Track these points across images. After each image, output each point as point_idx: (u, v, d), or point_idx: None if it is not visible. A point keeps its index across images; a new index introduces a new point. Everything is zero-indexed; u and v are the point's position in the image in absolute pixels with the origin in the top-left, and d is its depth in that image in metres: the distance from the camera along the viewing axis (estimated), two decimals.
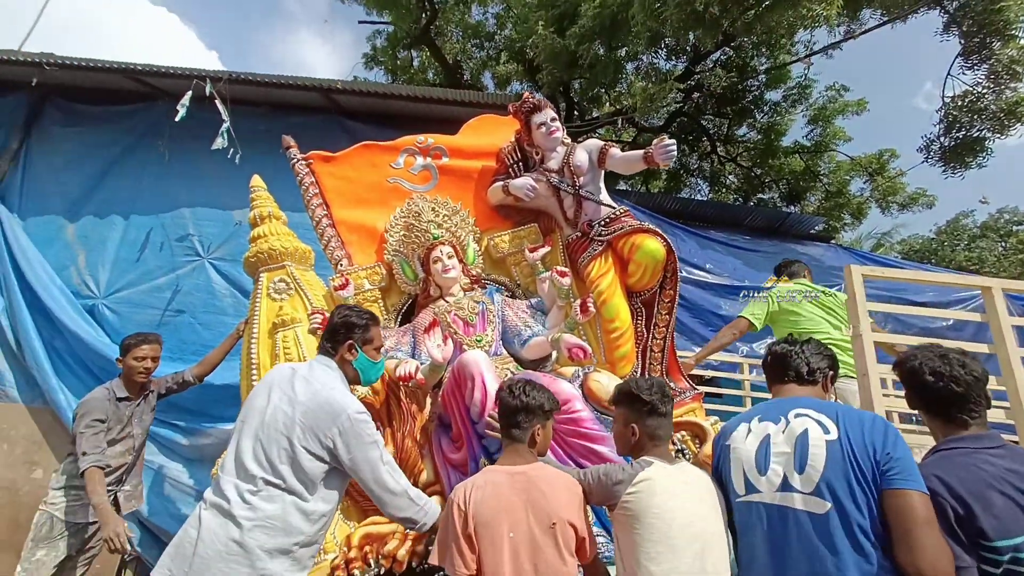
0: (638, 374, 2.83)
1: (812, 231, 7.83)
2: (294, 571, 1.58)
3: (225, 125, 4.25)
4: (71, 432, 2.71)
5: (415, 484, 2.29)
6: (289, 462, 1.59)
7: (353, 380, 1.87)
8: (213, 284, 4.50)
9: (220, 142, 4.19)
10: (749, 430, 1.54)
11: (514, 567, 1.44)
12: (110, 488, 2.69)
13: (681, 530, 1.47)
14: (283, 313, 2.73)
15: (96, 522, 2.66)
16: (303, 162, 3.25)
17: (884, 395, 2.25)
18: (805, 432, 1.40)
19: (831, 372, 1.68)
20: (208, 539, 1.51)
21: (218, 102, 4.32)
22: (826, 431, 1.39)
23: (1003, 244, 15.49)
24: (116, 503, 2.75)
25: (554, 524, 1.50)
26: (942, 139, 7.42)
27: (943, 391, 1.42)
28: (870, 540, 1.25)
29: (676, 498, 1.52)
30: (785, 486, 1.37)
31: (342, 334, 1.84)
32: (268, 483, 1.57)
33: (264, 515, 1.54)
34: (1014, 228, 15.72)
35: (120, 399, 2.80)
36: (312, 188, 3.23)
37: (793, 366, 1.64)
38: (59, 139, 4.97)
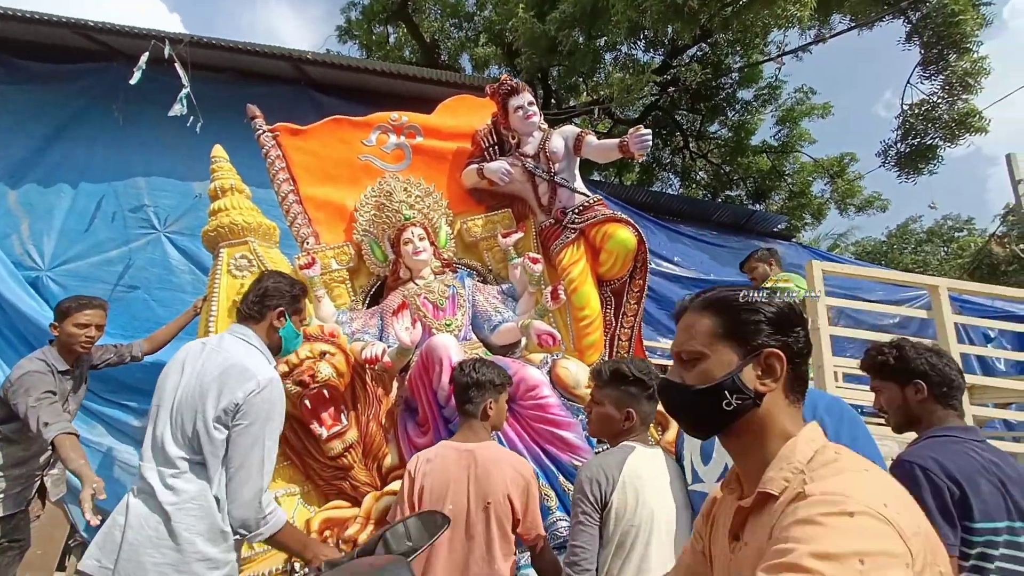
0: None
1: (775, 229, 8.11)
2: (232, 552, 1.53)
3: (185, 91, 4.02)
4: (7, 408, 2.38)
5: (379, 468, 2.28)
6: (206, 438, 1.51)
7: (276, 349, 1.79)
8: (170, 259, 4.28)
9: (179, 108, 3.96)
10: None
11: (447, 539, 1.51)
12: (36, 473, 2.52)
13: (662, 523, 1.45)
14: (244, 291, 2.62)
15: (19, 512, 2.49)
16: (269, 134, 3.11)
17: (837, 387, 2.35)
18: None
19: None
20: (136, 525, 1.46)
21: (178, 66, 4.07)
22: None
23: (945, 249, 16.51)
24: (43, 490, 2.57)
25: (489, 503, 1.57)
26: (899, 145, 7.78)
27: (949, 376, 1.50)
28: None
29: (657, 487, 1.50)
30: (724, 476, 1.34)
31: (274, 300, 1.76)
32: (189, 462, 1.51)
33: (188, 497, 1.48)
34: (955, 234, 16.75)
35: (60, 371, 2.52)
36: (278, 162, 3.10)
37: None
38: (2, 97, 4.59)
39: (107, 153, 4.53)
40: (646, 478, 1.49)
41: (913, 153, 7.64)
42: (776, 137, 11.36)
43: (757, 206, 11.34)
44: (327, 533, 2.01)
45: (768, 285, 3.36)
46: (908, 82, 7.53)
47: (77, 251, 4.28)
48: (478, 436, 1.75)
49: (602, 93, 9.95)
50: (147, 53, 4.03)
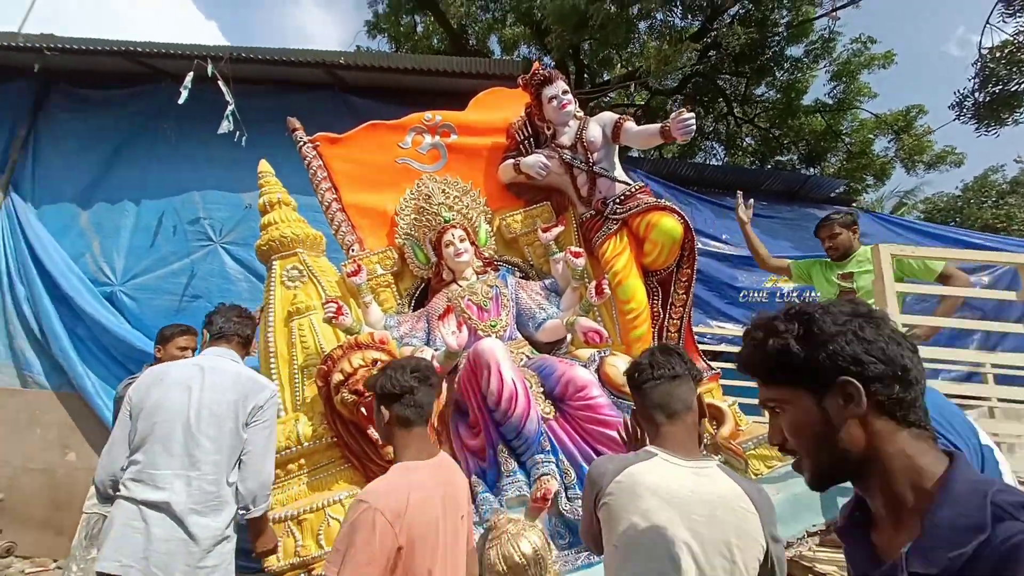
0: None
1: (832, 194, 7.58)
2: (234, 527, 1.86)
3: (230, 108, 4.17)
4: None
5: None
6: (236, 438, 1.86)
7: None
8: (227, 269, 4.52)
9: (226, 125, 4.12)
10: None
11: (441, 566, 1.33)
12: None
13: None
14: (297, 301, 2.73)
15: None
16: (310, 145, 3.18)
17: None
18: None
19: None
20: (163, 526, 1.69)
21: (221, 83, 4.22)
22: None
23: None
24: None
25: (463, 516, 1.46)
26: (976, 94, 7.02)
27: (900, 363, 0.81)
28: None
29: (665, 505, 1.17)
30: None
31: (252, 337, 2.26)
32: (212, 463, 1.79)
33: (213, 492, 1.78)
34: None
35: None
36: (320, 172, 3.17)
37: None
38: (65, 125, 4.94)
39: (162, 170, 4.81)
40: (650, 489, 1.20)
41: (994, 102, 6.86)
42: (831, 94, 10.51)
43: (811, 170, 10.63)
44: None
45: (867, 256, 2.81)
46: (988, 21, 6.75)
47: (144, 265, 4.60)
48: (430, 445, 1.50)
49: (638, 65, 9.55)
50: (191, 73, 4.19)
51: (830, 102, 10.52)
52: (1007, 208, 14.68)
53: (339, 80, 4.94)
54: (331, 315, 2.43)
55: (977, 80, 6.97)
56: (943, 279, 2.67)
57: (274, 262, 2.87)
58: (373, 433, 2.25)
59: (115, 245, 4.64)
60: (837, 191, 7.74)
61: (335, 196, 3.15)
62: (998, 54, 6.68)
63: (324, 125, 3.30)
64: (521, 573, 1.78)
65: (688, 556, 1.12)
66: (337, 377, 2.27)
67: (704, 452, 2.18)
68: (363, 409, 2.23)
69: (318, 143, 3.20)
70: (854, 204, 8.29)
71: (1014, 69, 6.54)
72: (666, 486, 1.19)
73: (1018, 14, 6.30)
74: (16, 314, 4.43)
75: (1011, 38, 6.59)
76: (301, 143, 3.18)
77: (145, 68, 4.85)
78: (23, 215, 4.59)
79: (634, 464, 1.25)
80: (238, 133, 4.23)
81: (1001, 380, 3.46)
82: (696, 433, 1.35)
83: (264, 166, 3.10)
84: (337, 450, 2.40)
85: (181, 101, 4.21)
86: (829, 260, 3.05)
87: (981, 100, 6.99)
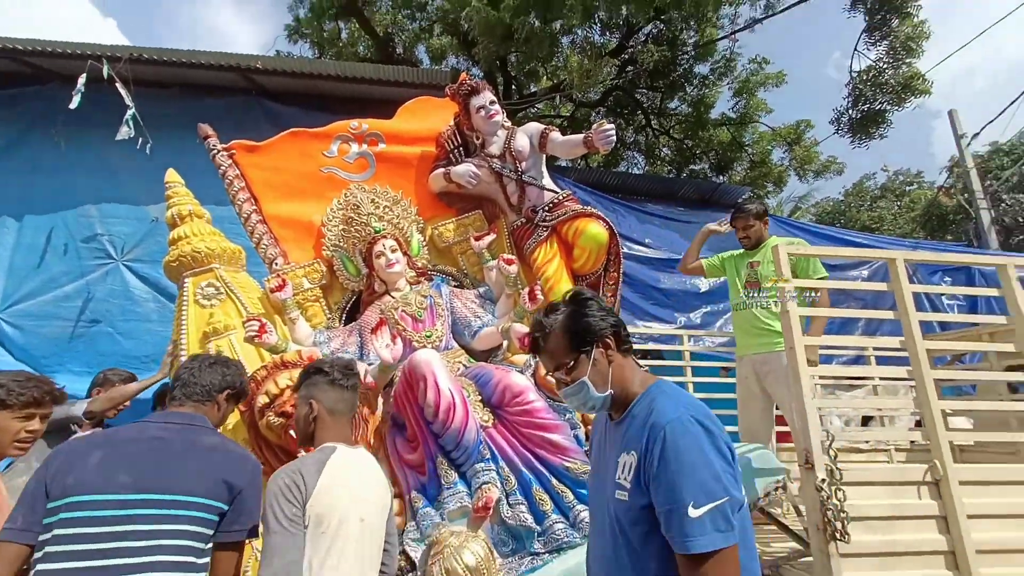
0: None
1: (740, 200, 8.29)
2: None
3: (130, 112, 3.83)
4: None
5: None
6: None
7: None
8: (131, 288, 4.12)
9: (125, 131, 3.78)
10: None
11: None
12: None
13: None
14: (214, 320, 2.54)
15: None
16: (224, 153, 3.00)
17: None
18: None
19: None
20: None
21: (119, 85, 3.87)
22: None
23: (898, 203, 17.22)
24: None
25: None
26: (850, 112, 8.02)
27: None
28: None
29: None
30: None
31: None
32: None
33: None
34: (907, 188, 17.48)
35: None
36: (237, 181, 2.99)
37: None
38: None
39: (50, 181, 4.31)
40: (345, 481, 1.40)
41: (864, 119, 7.89)
42: (734, 109, 11.55)
43: (721, 178, 11.57)
44: None
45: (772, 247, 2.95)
46: (856, 49, 7.75)
47: (29, 289, 4.08)
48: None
49: (562, 77, 9.91)
50: (84, 75, 3.81)
51: (734, 116, 11.54)
52: (879, 211, 16.87)
53: (256, 86, 4.69)
54: (253, 334, 2.30)
55: (850, 99, 7.97)
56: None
57: (186, 280, 2.67)
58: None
59: None
60: (743, 197, 8.48)
61: (254, 207, 2.99)
62: (865, 77, 7.67)
63: (241, 132, 3.13)
64: None
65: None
66: (262, 399, 2.15)
67: None
68: (292, 432, 2.13)
69: (234, 151, 3.02)
70: None
71: (878, 90, 7.54)
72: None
73: (879, 43, 7.28)
74: None
75: (874, 63, 7.59)
76: (214, 151, 2.99)
77: (29, 68, 4.34)
78: None
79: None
80: (141, 140, 3.89)
81: (881, 361, 3.97)
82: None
83: (172, 175, 2.88)
84: (264, 477, 2.26)
85: (73, 105, 3.81)
86: (741, 251, 3.34)
87: (854, 117, 7.99)
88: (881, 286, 2.48)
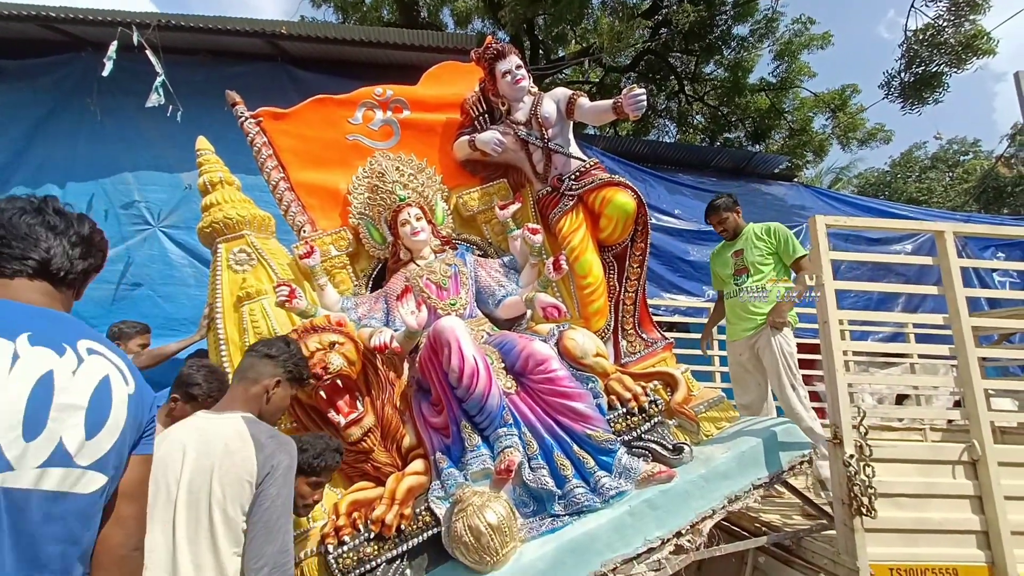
0: (611, 328, 2.89)
1: (776, 170, 7.95)
2: None
3: (159, 79, 3.88)
4: None
5: (398, 449, 2.34)
6: None
7: None
8: (169, 254, 4.27)
9: (155, 98, 3.84)
10: (16, 356, 0.90)
11: None
12: None
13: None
14: (247, 285, 2.61)
15: None
16: (252, 120, 3.02)
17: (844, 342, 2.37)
18: (106, 380, 0.99)
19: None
20: None
21: (149, 52, 3.91)
22: (126, 382, 1.03)
23: (950, 174, 16.19)
24: None
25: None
26: (903, 75, 7.48)
27: None
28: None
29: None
30: (60, 458, 0.90)
31: None
32: None
33: None
34: (961, 158, 16.39)
35: None
36: (265, 149, 3.02)
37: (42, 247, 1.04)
38: None
39: (89, 149, 4.44)
40: (169, 447, 1.42)
41: (918, 82, 7.35)
42: (775, 73, 10.94)
43: (757, 147, 11.08)
44: (355, 514, 2.08)
45: (751, 233, 3.31)
46: (912, 5, 7.16)
47: None
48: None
49: (591, 41, 9.54)
50: (115, 42, 3.86)
51: (773, 81, 10.94)
52: (928, 182, 15.87)
53: (282, 51, 4.68)
54: (284, 299, 2.36)
55: (903, 61, 7.42)
56: (797, 266, 3.17)
57: (219, 245, 2.74)
58: (334, 416, 2.22)
59: None
60: (780, 167, 8.12)
61: (282, 175, 3.02)
62: (921, 36, 7.11)
63: (267, 99, 3.14)
64: (487, 542, 1.83)
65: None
66: None
67: (659, 418, 2.30)
68: (322, 393, 2.20)
69: (261, 118, 3.03)
70: (795, 180, 8.71)
71: (935, 51, 6.99)
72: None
73: None
74: None
75: (932, 21, 7.02)
76: (242, 118, 3.01)
77: (63, 36, 4.42)
78: None
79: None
80: (171, 108, 3.95)
81: (920, 339, 3.81)
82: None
83: (202, 143, 2.93)
84: (297, 435, 2.36)
85: (105, 73, 3.88)
86: (722, 243, 3.51)
87: (906, 80, 7.45)
88: (926, 260, 2.36)
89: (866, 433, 2.05)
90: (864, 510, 1.94)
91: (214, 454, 1.41)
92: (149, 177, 4.43)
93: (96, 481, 0.95)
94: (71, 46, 4.48)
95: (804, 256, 3.13)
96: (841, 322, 2.58)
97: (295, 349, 1.80)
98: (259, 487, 1.41)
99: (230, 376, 2.24)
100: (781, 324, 3.03)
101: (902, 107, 7.79)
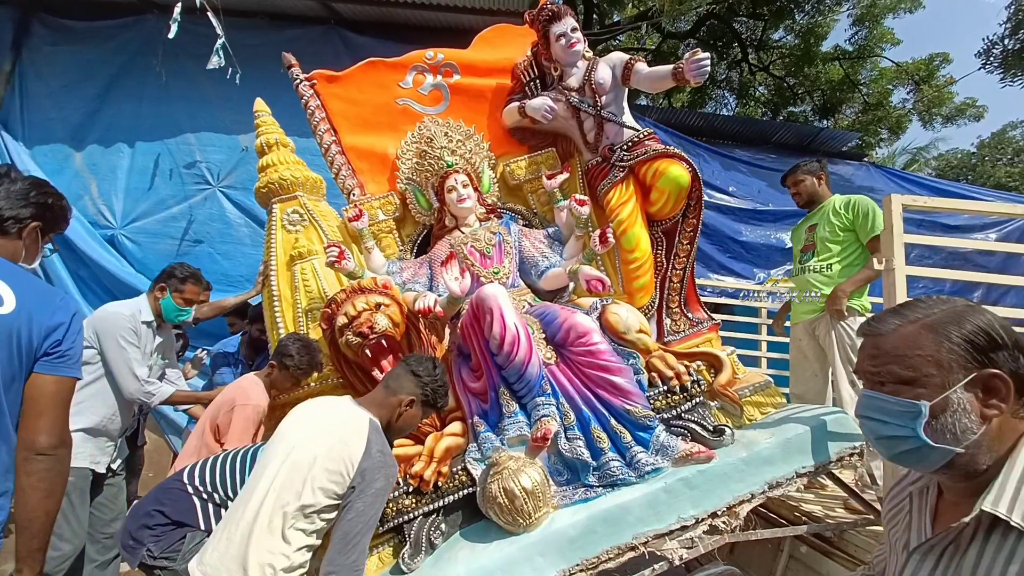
0: (656, 305, 2.82)
1: (844, 148, 7.40)
2: None
3: (220, 41, 3.97)
4: None
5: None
6: None
7: (159, 314, 2.66)
8: (227, 213, 4.47)
9: (216, 60, 3.94)
10: None
11: None
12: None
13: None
14: (299, 245, 2.71)
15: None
16: (306, 83, 3.06)
17: None
18: None
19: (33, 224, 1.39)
20: None
21: (211, 14, 4.00)
22: (1, 302, 1.18)
23: None
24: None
25: None
26: (1006, 41, 6.67)
27: None
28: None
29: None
30: None
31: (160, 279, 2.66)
32: None
33: None
34: None
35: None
36: (318, 112, 3.06)
37: None
38: (51, 59, 4.73)
39: (155, 110, 4.65)
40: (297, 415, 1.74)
41: None
42: (852, 40, 10.04)
43: (824, 123, 10.32)
44: None
45: (832, 206, 2.95)
46: None
47: (143, 209, 4.54)
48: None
49: (649, 3, 9.03)
50: (179, 5, 3.97)
51: (850, 49, 10.07)
52: (1022, 166, 14.26)
53: (335, 14, 4.69)
54: (333, 259, 2.42)
55: (1009, 25, 6.60)
56: (873, 245, 2.76)
57: (274, 206, 2.84)
58: (377, 374, 2.29)
59: (112, 187, 4.56)
60: (849, 145, 7.54)
61: (334, 139, 3.06)
62: None
63: (320, 63, 3.16)
64: (520, 505, 1.87)
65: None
66: (341, 320, 2.29)
67: (701, 398, 2.25)
68: (367, 351, 2.27)
69: (315, 81, 3.07)
70: (866, 159, 8.08)
71: None
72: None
73: None
74: None
75: None
76: (298, 81, 3.05)
77: None
78: (16, 155, 4.48)
79: None
80: (231, 70, 4.05)
81: None
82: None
83: (260, 105, 3.00)
84: (343, 390, 2.46)
85: (171, 35, 4.00)
86: (806, 215, 3.16)
87: (1011, 47, 6.64)
88: (1016, 247, 2.14)
89: None
90: None
91: (332, 438, 1.58)
92: (209, 138, 4.61)
93: None
94: (137, 8, 4.65)
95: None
96: None
97: (439, 374, 1.85)
98: (348, 491, 1.52)
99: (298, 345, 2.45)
100: (839, 312, 2.78)
101: (1002, 79, 6.98)
